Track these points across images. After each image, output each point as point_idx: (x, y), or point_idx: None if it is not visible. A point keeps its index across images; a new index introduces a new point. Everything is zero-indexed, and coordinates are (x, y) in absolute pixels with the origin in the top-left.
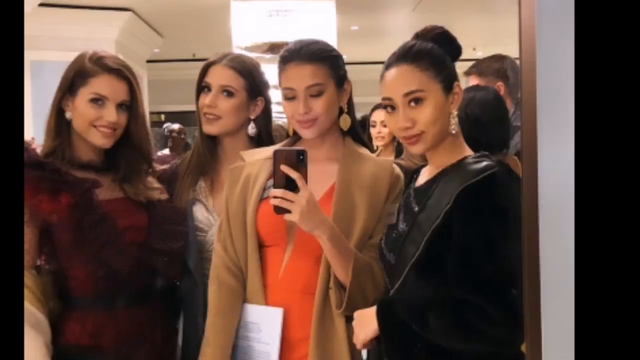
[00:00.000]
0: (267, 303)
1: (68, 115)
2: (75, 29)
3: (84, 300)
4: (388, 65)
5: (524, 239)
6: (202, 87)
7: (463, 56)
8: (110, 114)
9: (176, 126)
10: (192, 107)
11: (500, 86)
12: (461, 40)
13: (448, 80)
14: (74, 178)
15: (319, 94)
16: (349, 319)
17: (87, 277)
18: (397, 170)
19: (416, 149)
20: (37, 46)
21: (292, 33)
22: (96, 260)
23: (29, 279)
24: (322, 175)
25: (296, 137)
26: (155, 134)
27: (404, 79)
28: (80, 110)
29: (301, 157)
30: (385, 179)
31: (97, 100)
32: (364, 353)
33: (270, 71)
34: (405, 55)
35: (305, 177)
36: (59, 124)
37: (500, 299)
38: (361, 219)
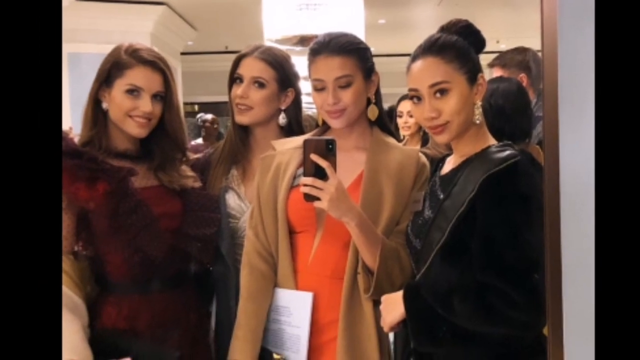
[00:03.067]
0: (297, 287)
1: (104, 105)
2: (111, 23)
3: (120, 285)
4: (414, 57)
5: (546, 225)
6: (234, 79)
7: (487, 49)
8: (146, 104)
9: (209, 116)
10: (224, 98)
11: (522, 78)
12: (485, 33)
13: (472, 72)
14: (111, 166)
15: (347, 85)
16: (376, 303)
17: (123, 263)
18: (423, 159)
19: (441, 139)
20: (74, 39)
21: (321, 26)
22: (132, 246)
23: (67, 264)
24: (350, 164)
25: (325, 127)
26: (189, 124)
27: (429, 71)
28: (116, 100)
29: (330, 146)
30: (412, 168)
31: (133, 91)
32: (391, 336)
33: (300, 63)
34: (431, 48)
35: (334, 165)
36: (96, 114)
37: (522, 283)
38: (388, 206)
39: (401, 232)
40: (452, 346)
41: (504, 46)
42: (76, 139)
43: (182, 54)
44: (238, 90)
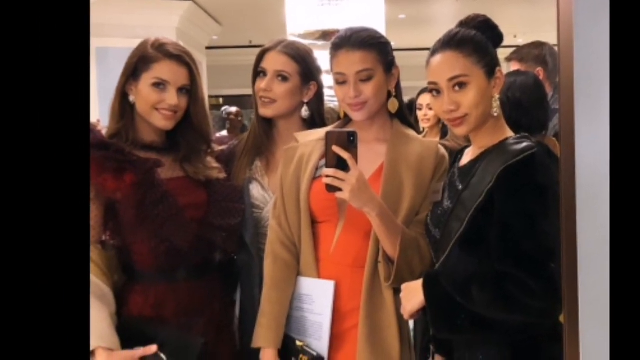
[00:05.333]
0: (319, 276)
1: (131, 98)
2: (138, 18)
3: (146, 274)
4: (434, 51)
5: (562, 215)
6: (258, 72)
7: (504, 43)
8: (172, 97)
9: (234, 109)
10: (248, 91)
11: (539, 71)
12: (502, 28)
13: (490, 66)
14: (137, 158)
15: (368, 79)
16: (396, 291)
17: (149, 252)
18: (442, 150)
19: (460, 131)
20: (102, 33)
21: (343, 21)
22: (158, 236)
23: (95, 254)
24: (371, 156)
25: (347, 120)
26: (214, 117)
27: (448, 65)
28: (143, 94)
29: (352, 138)
30: (431, 159)
31: (159, 85)
32: (411, 323)
33: (322, 57)
34: (450, 42)
35: (355, 157)
36: (123, 107)
37: (539, 272)
38: (408, 196)
39: (421, 222)
40: (470, 333)
41: (521, 40)
42: (104, 131)
43: (207, 48)
44: (262, 83)
